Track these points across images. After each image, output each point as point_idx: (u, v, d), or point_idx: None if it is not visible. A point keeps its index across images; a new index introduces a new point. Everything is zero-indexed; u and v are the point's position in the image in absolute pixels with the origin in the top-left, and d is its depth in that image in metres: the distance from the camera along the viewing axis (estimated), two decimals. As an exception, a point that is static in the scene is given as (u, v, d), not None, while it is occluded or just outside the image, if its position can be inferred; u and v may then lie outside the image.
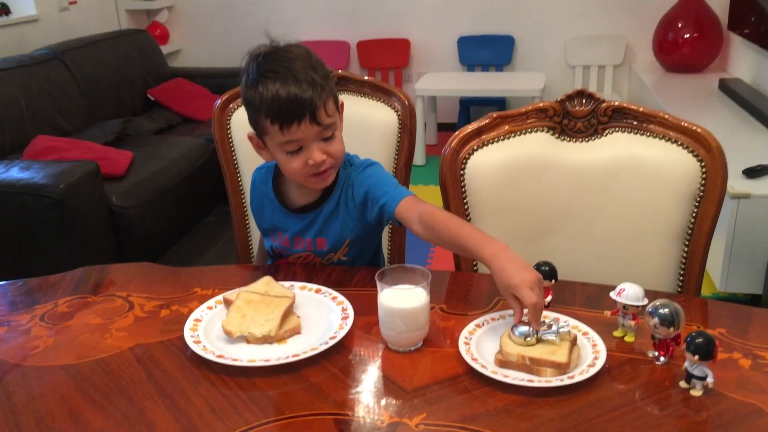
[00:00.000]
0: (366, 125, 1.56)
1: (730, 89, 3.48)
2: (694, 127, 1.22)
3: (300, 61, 1.15)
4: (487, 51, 4.51)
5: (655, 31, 4.08)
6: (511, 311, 1.05)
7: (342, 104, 1.25)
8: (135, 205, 2.69)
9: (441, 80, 4.26)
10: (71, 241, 2.43)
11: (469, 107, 4.56)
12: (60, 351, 1.07)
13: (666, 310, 0.94)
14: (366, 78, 1.60)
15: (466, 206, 1.35)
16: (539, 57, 4.48)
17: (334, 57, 4.62)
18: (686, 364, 0.91)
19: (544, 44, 4.47)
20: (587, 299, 1.14)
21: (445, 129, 4.51)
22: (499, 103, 4.43)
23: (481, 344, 1.01)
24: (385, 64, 4.66)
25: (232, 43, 4.72)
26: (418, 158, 4.08)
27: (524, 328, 0.98)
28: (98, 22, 4.31)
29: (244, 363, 0.99)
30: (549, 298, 1.10)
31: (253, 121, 1.21)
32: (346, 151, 1.26)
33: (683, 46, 3.99)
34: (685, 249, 1.28)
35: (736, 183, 2.34)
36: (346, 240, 1.30)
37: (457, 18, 4.52)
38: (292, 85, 1.12)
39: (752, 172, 2.41)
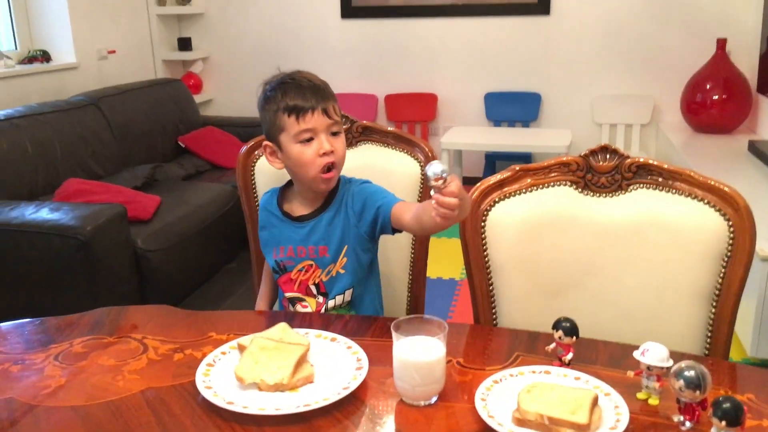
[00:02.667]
0: (389, 174, 1.57)
1: (759, 151, 3.43)
2: (722, 186, 1.20)
3: (310, 75, 1.41)
4: (513, 107, 4.54)
5: (683, 91, 4.08)
6: (530, 367, 1.06)
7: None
8: (159, 249, 2.71)
9: (467, 134, 4.29)
10: (95, 283, 2.45)
11: (495, 162, 4.57)
12: (71, 392, 1.06)
13: (692, 373, 0.90)
14: (389, 129, 1.62)
15: (486, 259, 1.34)
16: (566, 114, 4.50)
17: (362, 109, 4.68)
18: (713, 430, 0.87)
19: (570, 102, 4.49)
20: (610, 358, 1.10)
21: (471, 183, 4.44)
22: (525, 158, 4.43)
23: (499, 401, 0.98)
24: (412, 118, 4.72)
25: (263, 94, 4.81)
26: (443, 211, 4.07)
27: (437, 166, 1.04)
28: (135, 71, 4.45)
29: (254, 411, 0.97)
30: (570, 356, 1.07)
31: (270, 124, 1.38)
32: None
33: (712, 107, 3.98)
34: (713, 310, 1.24)
35: (767, 245, 2.28)
36: (344, 246, 1.39)
37: (484, 74, 4.58)
38: (306, 87, 1.36)
39: (783, 235, 2.35)
